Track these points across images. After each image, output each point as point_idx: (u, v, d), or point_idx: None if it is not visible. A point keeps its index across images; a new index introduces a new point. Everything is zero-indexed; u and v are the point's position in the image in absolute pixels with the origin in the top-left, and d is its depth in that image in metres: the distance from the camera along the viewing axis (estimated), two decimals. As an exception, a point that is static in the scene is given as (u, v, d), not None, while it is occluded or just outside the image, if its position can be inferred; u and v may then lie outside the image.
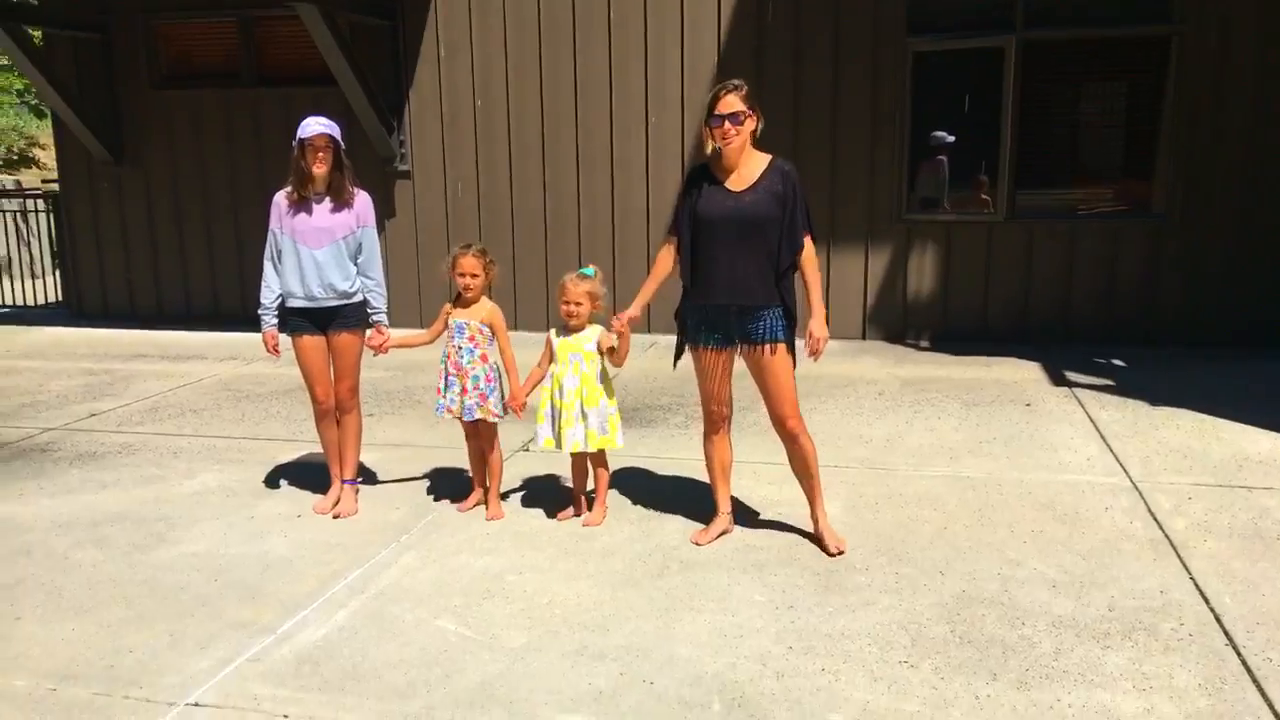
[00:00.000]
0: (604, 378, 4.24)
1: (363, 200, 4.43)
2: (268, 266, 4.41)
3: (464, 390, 4.32)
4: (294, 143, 4.29)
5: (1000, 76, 7.72)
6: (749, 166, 3.82)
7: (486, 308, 4.37)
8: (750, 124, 3.77)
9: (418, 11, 8.57)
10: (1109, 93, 8.07)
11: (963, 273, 8.03)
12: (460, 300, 4.38)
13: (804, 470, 4.00)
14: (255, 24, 9.03)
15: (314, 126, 4.26)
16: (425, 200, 8.87)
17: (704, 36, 8.09)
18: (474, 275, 4.29)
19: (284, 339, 4.47)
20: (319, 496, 4.62)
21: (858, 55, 7.89)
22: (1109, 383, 6.57)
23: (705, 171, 3.90)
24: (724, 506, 4.17)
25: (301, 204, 4.33)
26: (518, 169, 8.62)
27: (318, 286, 4.34)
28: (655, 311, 8.11)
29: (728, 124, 3.72)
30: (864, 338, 8.18)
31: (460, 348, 4.33)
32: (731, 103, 3.72)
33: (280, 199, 4.39)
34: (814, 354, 3.80)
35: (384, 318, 4.49)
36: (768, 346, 3.84)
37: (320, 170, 4.28)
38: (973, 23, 7.83)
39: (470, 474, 4.60)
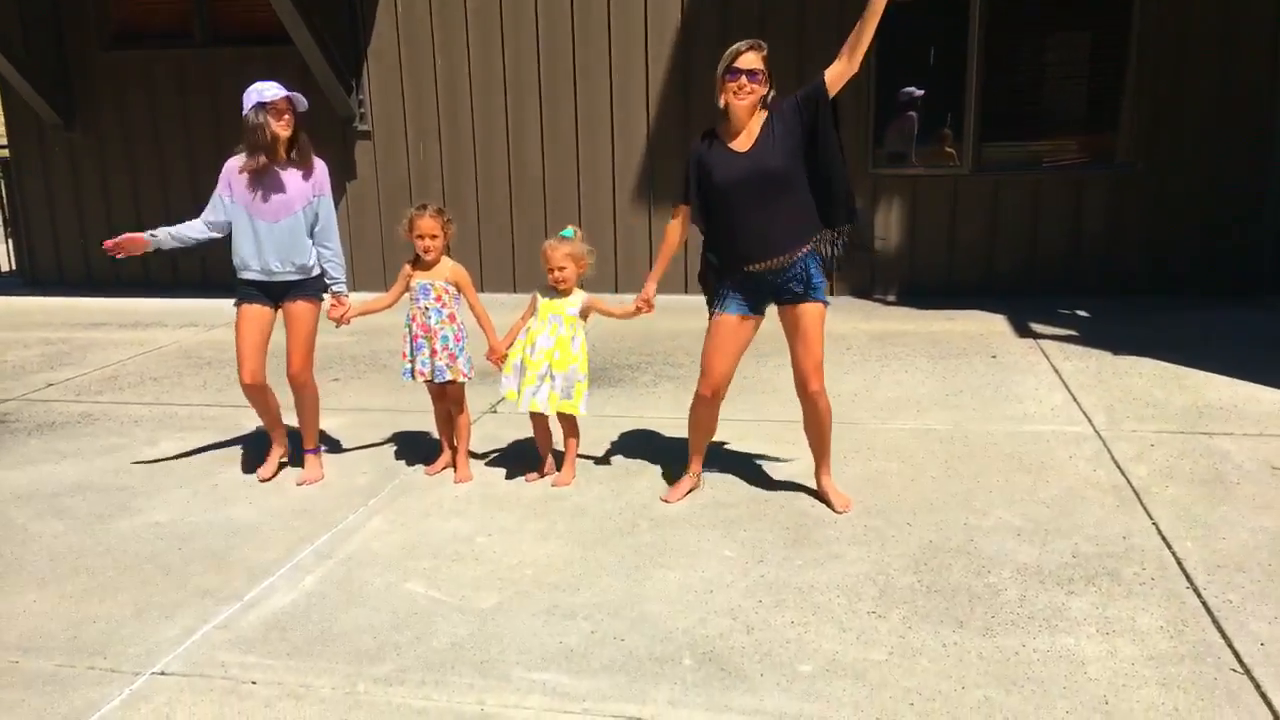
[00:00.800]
0: (580, 346, 4.20)
1: (320, 168, 4.29)
2: (196, 221, 4.22)
3: (433, 352, 4.26)
4: (250, 109, 4.10)
5: (964, 29, 7.68)
6: (753, 125, 3.72)
7: (449, 266, 4.30)
8: (764, 86, 3.67)
9: (373, -34, 8.38)
10: (1073, 43, 8.05)
11: (929, 226, 8.03)
12: (420, 263, 4.29)
13: (818, 432, 3.95)
14: (206, -20, 8.78)
15: (274, 89, 4.09)
16: (387, 160, 8.73)
17: (667, -11, 7.97)
18: (433, 236, 4.21)
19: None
20: (288, 463, 4.57)
21: (822, 8, 7.80)
22: (1073, 333, 6.62)
23: (712, 135, 3.80)
24: (696, 467, 4.17)
25: (257, 174, 4.14)
26: (480, 128, 8.49)
27: (275, 261, 4.18)
28: (621, 276, 8.12)
29: (744, 79, 3.63)
30: (831, 293, 8.14)
31: (427, 309, 4.25)
32: (752, 60, 3.65)
33: (233, 165, 4.20)
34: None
35: (343, 287, 4.34)
36: (803, 306, 3.77)
37: (285, 133, 4.13)
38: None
39: (438, 437, 4.56)
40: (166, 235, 4.22)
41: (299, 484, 4.36)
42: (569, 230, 4.22)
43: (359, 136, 8.69)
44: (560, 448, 4.40)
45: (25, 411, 5.58)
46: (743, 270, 3.78)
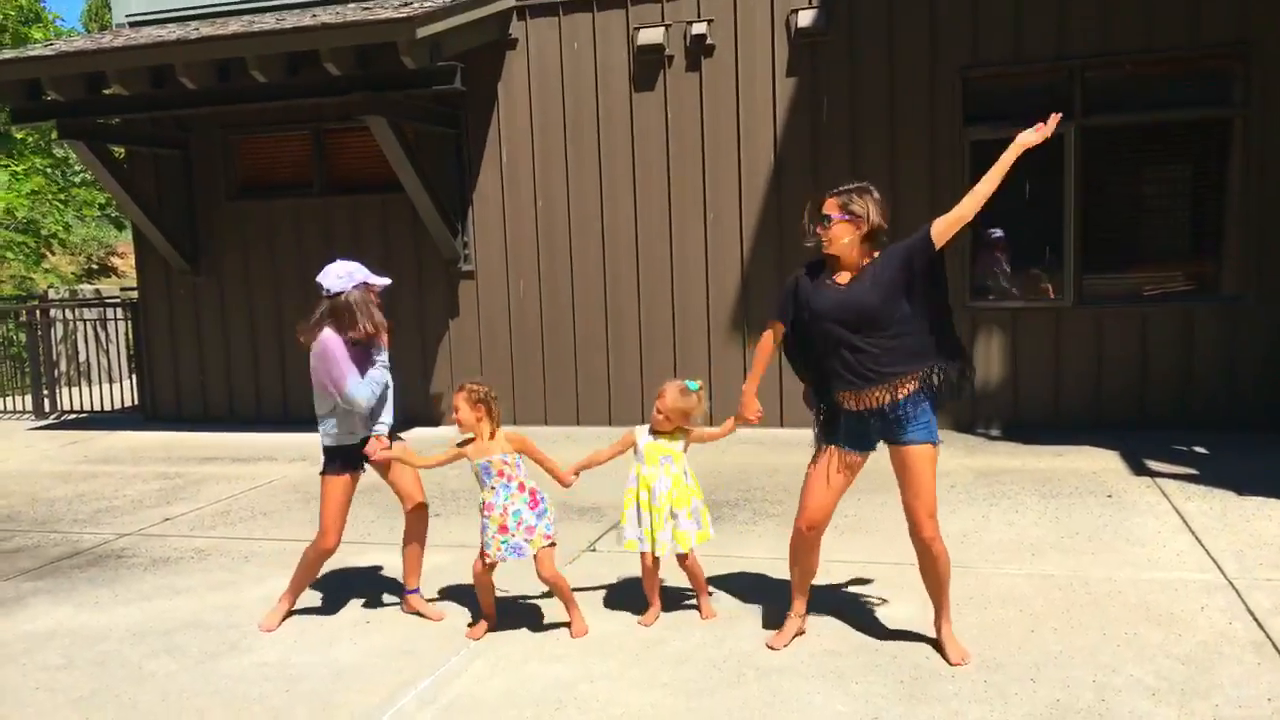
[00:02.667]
0: (691, 477, 4.23)
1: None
2: (364, 382, 4.24)
3: (502, 528, 4.05)
4: (352, 286, 4.24)
5: (1061, 162, 7.71)
6: (859, 262, 3.74)
7: (502, 437, 4.11)
8: (844, 230, 3.70)
9: (480, 121, 8.86)
10: (1172, 175, 7.99)
11: (1032, 360, 7.89)
12: (469, 441, 4.14)
13: (935, 580, 3.81)
14: (326, 135, 9.40)
15: (365, 271, 4.30)
16: (488, 299, 9.02)
17: (760, 134, 8.22)
18: (456, 410, 4.10)
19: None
20: (391, 600, 4.60)
21: (914, 147, 7.94)
22: (1192, 471, 6.34)
23: (819, 266, 3.84)
24: (800, 608, 4.05)
25: (359, 349, 4.27)
26: (578, 268, 8.75)
27: (378, 415, 4.36)
28: (715, 415, 8.12)
29: (820, 226, 3.73)
30: (932, 428, 8.02)
31: (495, 489, 4.07)
32: (830, 205, 3.73)
33: (340, 344, 4.22)
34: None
35: (384, 425, 4.40)
36: (909, 448, 3.70)
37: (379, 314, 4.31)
38: (1030, 111, 7.76)
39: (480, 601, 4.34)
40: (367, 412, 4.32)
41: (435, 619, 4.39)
42: (695, 383, 4.21)
43: (463, 277, 9.03)
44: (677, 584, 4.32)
45: (142, 546, 5.76)
46: (843, 405, 3.75)
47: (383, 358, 4.37)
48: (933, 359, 3.72)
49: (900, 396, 3.67)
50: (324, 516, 4.33)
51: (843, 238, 3.71)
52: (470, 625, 4.30)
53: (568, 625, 4.21)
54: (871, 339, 3.66)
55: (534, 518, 4.08)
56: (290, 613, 4.49)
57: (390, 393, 4.41)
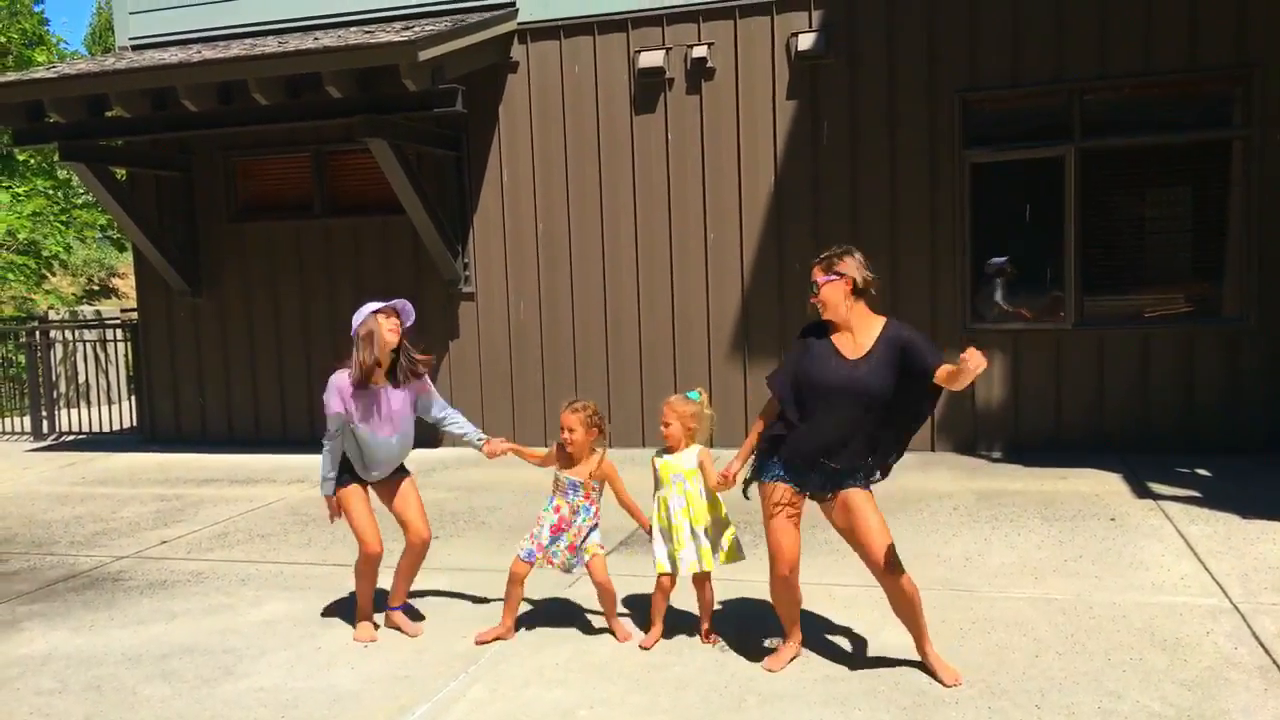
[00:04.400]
0: (710, 494, 4.21)
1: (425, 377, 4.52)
2: (329, 448, 4.34)
3: (572, 547, 4.28)
4: (360, 321, 4.27)
5: (1061, 185, 7.72)
6: (864, 332, 3.74)
7: (596, 460, 4.29)
8: (834, 290, 3.72)
9: (482, 143, 8.88)
10: (1172, 197, 7.99)
11: (1033, 382, 7.87)
12: (564, 455, 4.30)
13: (908, 614, 3.80)
14: (327, 157, 9.42)
15: (396, 311, 4.32)
16: (488, 321, 9.01)
17: (761, 156, 8.24)
18: (570, 429, 4.22)
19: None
20: (389, 625, 4.57)
21: (913, 169, 7.95)
22: (1195, 494, 6.30)
23: (818, 330, 3.85)
24: (796, 638, 4.05)
25: (366, 389, 4.27)
26: (579, 289, 8.75)
27: (381, 468, 4.43)
28: (717, 434, 8.11)
29: (811, 295, 3.80)
30: (933, 449, 8.01)
31: (576, 507, 4.28)
32: (815, 273, 3.80)
33: (344, 383, 4.27)
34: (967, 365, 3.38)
35: (480, 432, 4.60)
36: (842, 494, 3.76)
37: (393, 338, 4.26)
38: (1030, 134, 7.88)
39: (502, 609, 4.46)
40: (333, 471, 4.41)
41: (415, 635, 4.47)
42: (695, 393, 4.26)
43: (463, 298, 9.03)
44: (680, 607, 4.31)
45: (139, 569, 5.72)
46: (801, 459, 3.77)
47: (409, 403, 4.41)
48: (882, 446, 3.78)
49: (851, 465, 3.75)
50: (354, 529, 4.44)
51: (834, 298, 3.74)
52: (488, 632, 4.36)
53: (586, 640, 4.29)
54: (860, 419, 3.69)
55: (589, 532, 4.31)
56: (375, 624, 4.56)
57: (390, 444, 4.39)
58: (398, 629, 4.53)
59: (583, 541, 4.28)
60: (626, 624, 4.40)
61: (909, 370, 3.65)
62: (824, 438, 3.72)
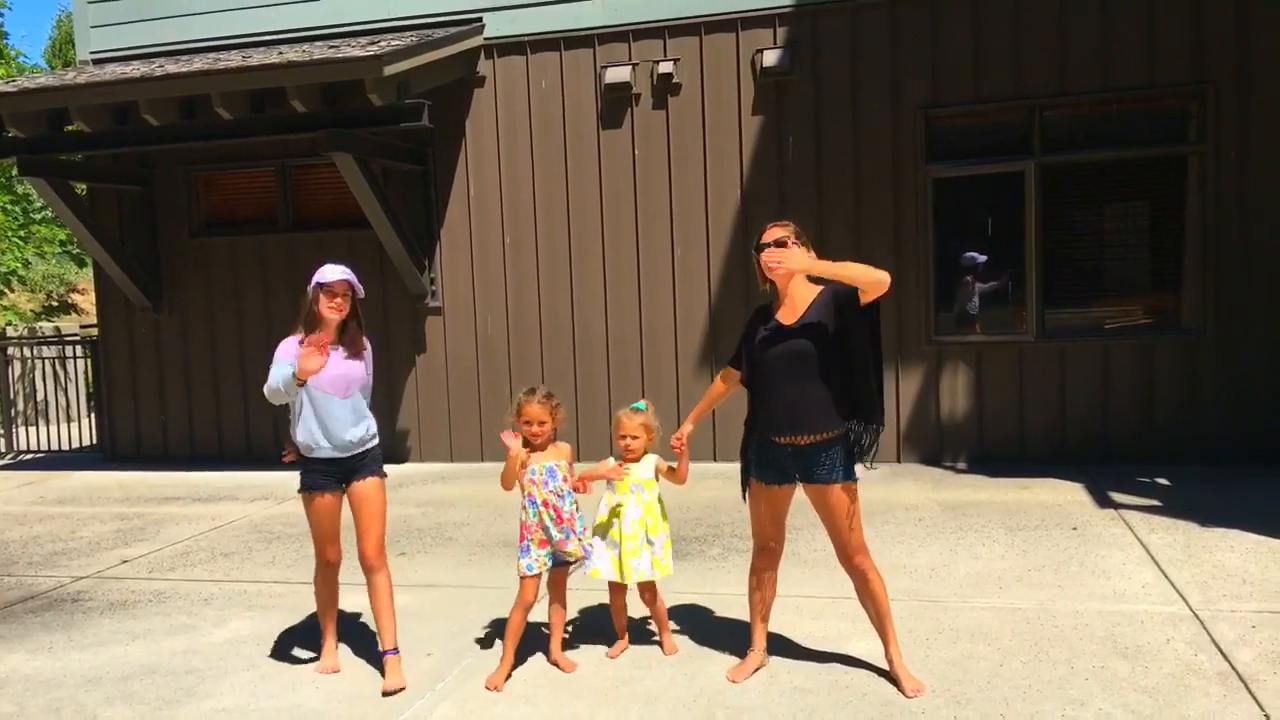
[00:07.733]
0: (661, 506, 4.29)
1: (369, 353, 4.34)
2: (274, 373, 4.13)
3: (577, 533, 4.21)
4: (310, 287, 4.17)
5: (1021, 199, 7.84)
6: (803, 300, 3.83)
7: (561, 446, 4.26)
8: (796, 251, 3.78)
9: (448, 158, 8.86)
10: (1130, 211, 8.13)
11: (996, 394, 7.96)
12: (531, 447, 4.17)
13: (875, 608, 3.88)
14: (292, 172, 9.35)
15: (335, 272, 4.15)
16: (455, 335, 8.98)
17: (727, 171, 8.29)
18: (541, 422, 4.14)
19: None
20: (355, 642, 4.51)
21: (877, 183, 8.04)
22: (1156, 503, 6.40)
23: (765, 310, 3.95)
24: (760, 644, 4.08)
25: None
26: (546, 303, 8.74)
27: (349, 432, 4.15)
28: (719, 441, 8.13)
29: (773, 248, 3.79)
30: (899, 460, 8.07)
31: (560, 494, 4.13)
32: (775, 232, 3.85)
33: (293, 344, 4.14)
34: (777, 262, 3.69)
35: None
36: (826, 487, 3.78)
37: (335, 317, 4.14)
38: (991, 149, 7.99)
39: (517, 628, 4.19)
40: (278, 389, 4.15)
41: (384, 693, 4.03)
42: (641, 404, 4.37)
43: (430, 313, 8.99)
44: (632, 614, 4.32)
45: (99, 590, 5.63)
46: (770, 441, 3.83)
47: (360, 374, 4.24)
48: (853, 416, 3.78)
49: (820, 441, 3.75)
50: (312, 534, 4.26)
51: (802, 258, 3.75)
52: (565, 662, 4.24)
53: (535, 662, 4.18)
54: (806, 384, 3.73)
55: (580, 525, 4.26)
56: (335, 644, 4.40)
57: (343, 407, 4.15)
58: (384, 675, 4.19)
59: (580, 528, 4.22)
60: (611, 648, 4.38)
61: (847, 309, 3.73)
62: (779, 410, 3.77)
